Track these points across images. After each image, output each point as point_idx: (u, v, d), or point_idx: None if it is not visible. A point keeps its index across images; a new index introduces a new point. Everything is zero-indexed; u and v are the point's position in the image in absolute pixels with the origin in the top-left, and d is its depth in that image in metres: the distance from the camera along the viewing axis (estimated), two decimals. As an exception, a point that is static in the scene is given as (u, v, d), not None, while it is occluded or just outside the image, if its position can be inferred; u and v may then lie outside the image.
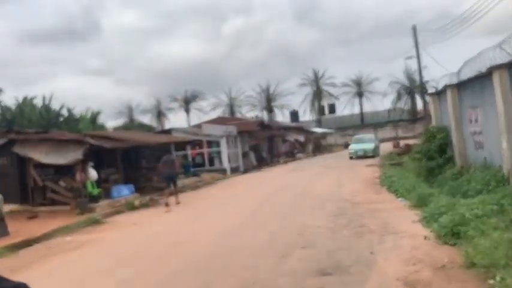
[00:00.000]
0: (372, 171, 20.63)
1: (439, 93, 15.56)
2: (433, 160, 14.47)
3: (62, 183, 16.83)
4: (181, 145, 28.89)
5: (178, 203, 15.06)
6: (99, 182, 18.05)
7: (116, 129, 48.15)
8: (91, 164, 17.01)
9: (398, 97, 68.37)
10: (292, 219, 10.22)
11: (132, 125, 54.74)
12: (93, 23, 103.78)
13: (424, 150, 14.74)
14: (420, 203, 10.32)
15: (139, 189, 20.75)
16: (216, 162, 29.58)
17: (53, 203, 16.51)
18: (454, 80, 13.39)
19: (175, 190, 15.79)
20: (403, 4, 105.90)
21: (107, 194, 17.53)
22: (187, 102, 72.28)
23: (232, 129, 31.05)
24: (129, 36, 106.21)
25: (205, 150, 29.49)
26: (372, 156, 30.73)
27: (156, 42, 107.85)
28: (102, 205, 16.02)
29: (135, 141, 21.30)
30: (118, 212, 14.72)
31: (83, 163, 16.57)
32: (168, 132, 29.82)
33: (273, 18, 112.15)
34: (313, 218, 10.04)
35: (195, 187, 21.00)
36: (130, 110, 71.98)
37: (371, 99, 73.13)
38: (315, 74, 73.18)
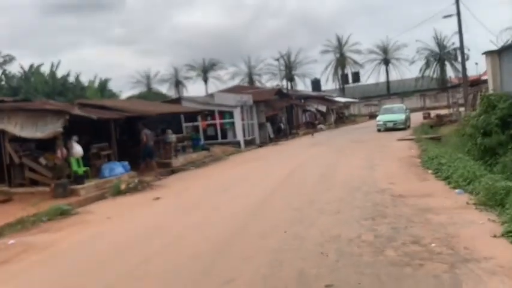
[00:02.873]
0: (407, 147, 17.35)
1: (501, 52, 12.09)
2: (493, 136, 11.17)
3: (42, 160, 14.19)
4: (191, 116, 26.03)
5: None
6: (88, 159, 15.40)
7: (130, 98, 45.54)
8: (75, 138, 14.29)
9: (427, 64, 63.51)
10: (310, 222, 7.23)
11: (147, 94, 52.02)
12: None
13: (481, 123, 11.42)
14: (492, 200, 7.19)
15: (139, 167, 18.10)
16: (230, 134, 26.64)
17: (33, 183, 13.95)
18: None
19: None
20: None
21: (98, 173, 14.89)
22: (205, 71, 69.12)
23: (248, 98, 27.91)
24: (152, 5, 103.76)
25: (218, 121, 26.51)
26: (403, 129, 27.27)
27: (178, 12, 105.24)
28: (88, 187, 13.34)
29: (134, 111, 18.45)
30: (101, 198, 12.03)
31: (66, 137, 13.90)
32: (178, 101, 26.90)
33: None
34: (339, 223, 7.01)
35: (200, 164, 18.15)
36: (148, 79, 69.52)
37: (398, 66, 68.49)
38: (339, 41, 68.68)
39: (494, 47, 12.84)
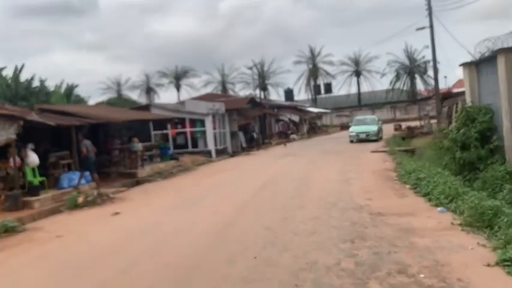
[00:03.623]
0: (381, 159, 16.87)
1: (479, 63, 11.70)
2: (472, 151, 10.70)
3: (-6, 169, 12.99)
4: (161, 124, 24.98)
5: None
6: (46, 168, 14.24)
7: (99, 104, 43.98)
8: (30, 146, 13.15)
9: (397, 77, 64.28)
10: (283, 244, 6.45)
11: (117, 100, 50.49)
12: None
13: (460, 137, 10.94)
14: (479, 221, 6.59)
15: (103, 176, 16.99)
16: (201, 143, 25.68)
17: (-16, 194, 12.71)
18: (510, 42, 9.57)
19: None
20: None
21: (56, 184, 13.74)
22: (177, 79, 67.97)
23: (220, 106, 27.08)
24: (126, 11, 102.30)
25: (188, 129, 25.53)
26: (375, 140, 26.95)
27: (152, 19, 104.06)
28: (44, 199, 12.23)
29: (99, 118, 17.34)
30: (56, 212, 10.94)
31: (20, 144, 12.76)
32: (146, 108, 25.81)
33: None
34: (315, 246, 6.25)
35: (168, 174, 17.16)
36: (118, 86, 67.86)
37: (369, 78, 69.10)
38: (311, 51, 68.80)
39: (464, 60, 12.45)
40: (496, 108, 10.54)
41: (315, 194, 10.33)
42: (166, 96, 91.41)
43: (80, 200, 11.41)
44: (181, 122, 25.56)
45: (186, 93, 65.34)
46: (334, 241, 6.44)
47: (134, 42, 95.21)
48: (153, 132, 25.09)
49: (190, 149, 25.21)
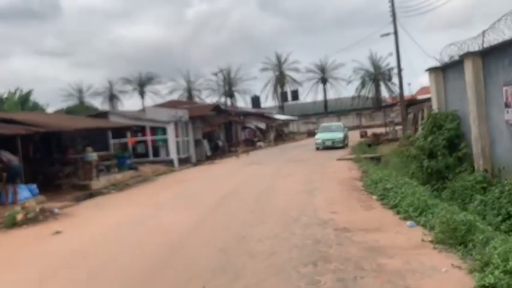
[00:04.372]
0: (347, 167, 16.34)
1: (445, 68, 11.33)
2: (439, 159, 10.26)
3: None
4: (121, 132, 23.78)
5: None
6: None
7: (57, 112, 42.11)
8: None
9: (363, 84, 64.89)
10: (236, 271, 5.64)
11: (77, 108, 48.54)
12: (51, 2, 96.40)
13: (428, 145, 10.47)
14: (451, 237, 6.00)
15: (55, 189, 15.78)
16: (162, 152, 24.61)
17: None
18: (476, 46, 9.18)
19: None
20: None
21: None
22: (141, 85, 66.30)
23: (183, 113, 26.10)
24: (90, 17, 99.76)
25: (149, 138, 24.42)
26: (341, 147, 26.58)
27: (117, 25, 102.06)
28: (-21, 216, 10.98)
29: (48, 126, 16.09)
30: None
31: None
32: (104, 115, 24.54)
33: (237, 5, 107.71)
34: (273, 271, 5.47)
35: (123, 186, 16.06)
36: (80, 93, 65.64)
37: (335, 86, 69.47)
38: (278, 59, 68.60)
39: (428, 66, 12.08)
40: (463, 114, 10.15)
41: (277, 207, 9.59)
42: (130, 103, 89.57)
43: (19, 217, 10.25)
44: (142, 130, 24.46)
45: (150, 100, 63.82)
46: (295, 264, 5.69)
47: (99, 49, 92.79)
48: (111, 141, 23.88)
49: (151, 158, 24.11)
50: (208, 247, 6.84)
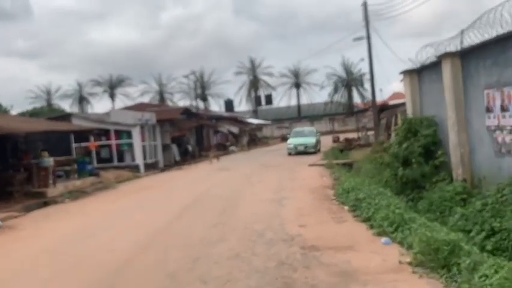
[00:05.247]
0: (319, 174, 15.60)
1: (421, 71, 10.70)
2: (415, 167, 9.57)
3: None
4: (84, 136, 22.44)
5: None
6: None
7: (21, 114, 40.08)
8: None
9: (335, 89, 64.82)
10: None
11: (43, 110, 46.50)
12: (22, 2, 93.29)
13: (402, 152, 9.78)
14: (433, 260, 5.23)
15: (5, 197, 14.44)
16: (127, 157, 23.36)
17: None
18: (453, 48, 8.56)
19: None
20: (336, 3, 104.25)
21: None
22: (112, 88, 64.44)
23: (150, 117, 24.94)
24: (62, 19, 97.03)
25: (114, 142, 23.13)
26: (313, 153, 25.92)
27: (90, 27, 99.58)
28: None
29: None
30: None
31: None
32: (67, 118, 23.13)
33: (212, 10, 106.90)
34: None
35: (80, 194, 14.86)
36: (48, 95, 63.33)
37: (308, 91, 69.32)
38: (252, 63, 67.94)
39: (399, 71, 11.48)
40: (440, 119, 9.52)
41: (242, 220, 8.68)
42: (100, 106, 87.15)
43: None
44: (106, 133, 23.17)
45: (121, 103, 62.01)
46: (253, 294, 4.81)
47: (70, 51, 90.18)
48: (74, 145, 22.51)
49: (116, 163, 22.83)
50: (156, 271, 5.86)
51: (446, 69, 8.57)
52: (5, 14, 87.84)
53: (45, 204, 13.91)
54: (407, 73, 10.99)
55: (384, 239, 6.60)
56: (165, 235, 7.94)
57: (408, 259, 5.59)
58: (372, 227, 7.37)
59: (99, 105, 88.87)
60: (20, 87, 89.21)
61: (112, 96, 65.06)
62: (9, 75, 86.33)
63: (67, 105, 62.32)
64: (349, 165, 17.43)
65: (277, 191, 12.12)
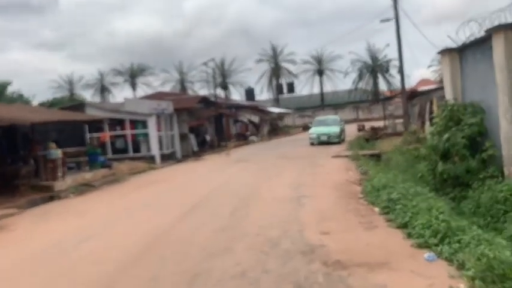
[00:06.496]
0: (344, 166, 14.26)
1: (463, 50, 9.20)
2: (456, 161, 8.16)
3: None
4: (98, 125, 21.63)
5: None
6: None
7: (41, 104, 39.86)
8: None
9: (360, 76, 62.58)
10: None
11: (64, 100, 46.30)
12: None
13: (443, 144, 8.37)
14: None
15: (10, 191, 13.68)
16: (143, 147, 22.45)
17: None
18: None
19: None
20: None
21: None
22: (133, 77, 63.93)
23: (166, 106, 23.89)
24: (87, 9, 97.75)
25: (129, 132, 22.24)
26: (337, 142, 24.48)
27: (114, 17, 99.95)
28: None
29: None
30: None
31: None
32: (80, 108, 22.33)
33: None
34: None
35: (86, 189, 13.95)
36: (71, 84, 63.34)
37: (332, 78, 67.30)
38: (274, 50, 66.25)
39: (426, 57, 9.95)
40: (488, 106, 8.05)
41: (254, 224, 7.48)
42: (122, 95, 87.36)
43: None
44: (121, 123, 22.29)
45: (142, 92, 61.53)
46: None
47: (95, 41, 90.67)
48: (88, 136, 21.74)
49: (131, 154, 21.96)
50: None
51: (499, 45, 7.11)
52: (32, 7, 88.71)
53: (51, 198, 13.10)
54: (446, 52, 9.49)
55: (427, 254, 5.30)
56: (164, 242, 6.80)
57: (462, 285, 4.31)
58: (409, 236, 6.06)
59: (121, 95, 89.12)
60: (46, 77, 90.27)
61: (133, 85, 64.65)
62: (35, 66, 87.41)
63: (89, 95, 62.33)
64: (376, 157, 16.00)
65: (296, 187, 10.86)
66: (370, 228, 6.71)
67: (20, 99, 35.94)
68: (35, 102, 41.11)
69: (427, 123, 13.70)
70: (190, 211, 9.05)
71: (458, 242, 5.26)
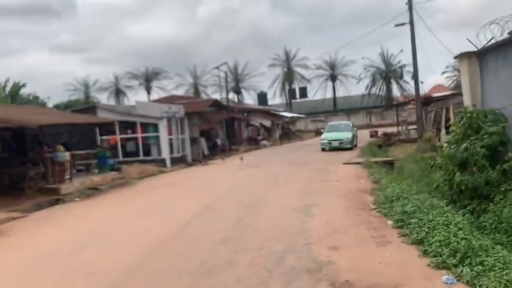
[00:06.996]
0: (355, 174, 13.69)
1: (483, 54, 8.61)
2: (475, 172, 7.57)
3: None
4: (109, 128, 21.41)
5: None
6: None
7: (55, 106, 39.98)
8: None
9: (373, 82, 61.61)
10: None
11: (77, 102, 46.41)
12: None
13: (461, 153, 7.79)
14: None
15: (17, 194, 13.40)
16: (154, 150, 22.12)
17: None
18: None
19: None
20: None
21: None
22: (147, 80, 64.02)
23: (178, 109, 23.56)
24: (104, 14, 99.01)
25: (140, 135, 21.94)
26: (349, 148, 23.86)
27: (130, 22, 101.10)
28: None
29: (9, 121, 13.68)
30: None
31: None
32: (92, 110, 22.11)
33: (248, 4, 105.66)
34: None
35: (91, 193, 13.62)
36: (86, 87, 63.63)
37: (345, 83, 66.51)
38: (287, 54, 65.74)
39: (441, 63, 9.36)
40: (510, 114, 7.45)
41: (258, 235, 7.00)
42: (137, 98, 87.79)
43: None
44: (132, 126, 22.03)
45: (156, 96, 61.51)
46: None
47: (111, 45, 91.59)
48: (99, 138, 21.53)
49: (142, 157, 21.64)
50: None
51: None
52: (51, 11, 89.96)
53: (58, 201, 12.80)
54: (465, 56, 8.89)
55: (445, 277, 4.74)
56: (161, 254, 6.34)
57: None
58: (425, 253, 5.51)
59: (136, 98, 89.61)
60: (62, 80, 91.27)
61: (148, 89, 64.71)
62: (52, 69, 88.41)
63: (104, 98, 62.56)
64: (389, 164, 15.38)
65: (305, 195, 10.34)
66: (383, 244, 6.17)
67: (35, 101, 36.11)
68: (50, 104, 41.33)
69: (443, 130, 13.09)
70: (193, 219, 8.60)
71: (481, 264, 4.71)
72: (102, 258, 6.26)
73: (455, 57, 9.26)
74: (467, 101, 8.90)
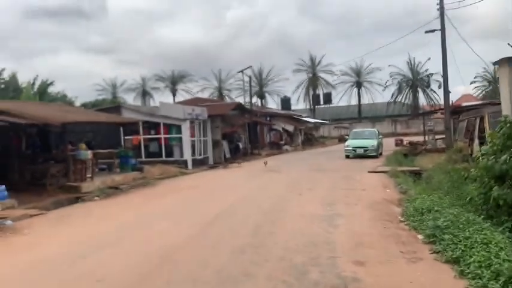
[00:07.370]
0: (381, 183, 13.08)
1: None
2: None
3: None
4: (134, 128, 21.39)
5: None
6: None
7: (82, 105, 40.51)
8: None
9: (400, 90, 60.33)
10: None
11: (103, 102, 46.95)
12: (98, 2, 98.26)
13: (499, 166, 7.17)
14: None
15: (39, 190, 13.33)
16: (176, 152, 22.00)
17: None
18: None
19: None
20: (402, 3, 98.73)
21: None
22: (173, 83, 64.44)
23: (201, 111, 23.36)
24: (134, 17, 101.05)
25: (162, 136, 21.84)
26: (374, 156, 23.15)
27: (159, 26, 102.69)
28: None
29: (36, 118, 13.67)
30: None
31: None
32: (116, 110, 22.11)
33: (275, 10, 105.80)
34: None
35: (111, 192, 13.44)
36: (114, 88, 64.53)
37: (370, 90, 65.38)
38: (312, 60, 65.13)
39: (471, 75, 8.67)
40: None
41: (279, 245, 6.55)
42: (163, 100, 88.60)
43: None
44: (155, 127, 21.96)
45: (181, 98, 61.86)
46: None
47: (140, 47, 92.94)
48: (123, 138, 21.50)
49: (164, 158, 21.52)
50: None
51: None
52: (83, 13, 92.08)
53: (77, 200, 12.65)
54: (504, 62, 8.27)
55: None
56: (176, 260, 5.97)
57: None
58: (462, 274, 4.97)
59: (162, 100, 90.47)
60: (91, 80, 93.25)
61: (173, 91, 65.16)
62: (82, 69, 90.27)
63: (130, 99, 63.28)
64: (416, 174, 14.69)
65: (329, 204, 9.84)
66: (414, 261, 5.64)
67: (62, 99, 36.62)
68: (77, 103, 41.93)
69: (476, 141, 12.40)
70: (210, 224, 8.22)
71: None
72: (115, 262, 5.93)
73: (494, 63, 8.65)
74: (506, 109, 8.27)
